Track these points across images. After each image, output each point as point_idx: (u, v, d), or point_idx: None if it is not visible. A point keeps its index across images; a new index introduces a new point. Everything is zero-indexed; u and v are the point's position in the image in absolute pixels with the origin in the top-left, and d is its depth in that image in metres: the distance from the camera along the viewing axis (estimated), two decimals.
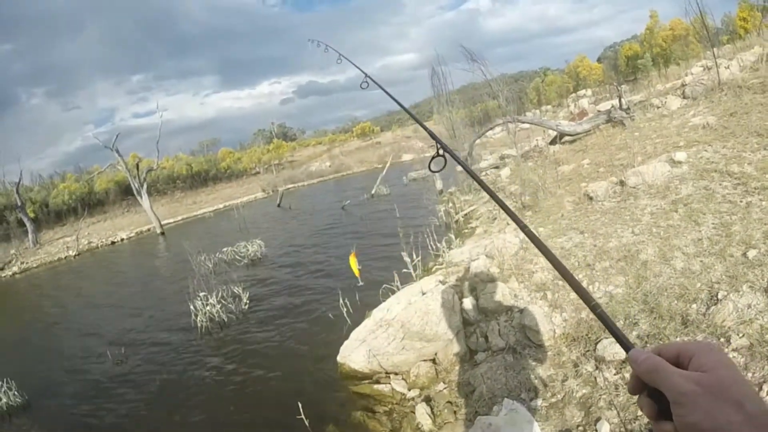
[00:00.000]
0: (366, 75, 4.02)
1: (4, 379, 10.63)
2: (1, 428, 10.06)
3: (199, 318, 11.19)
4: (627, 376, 4.40)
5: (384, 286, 8.69)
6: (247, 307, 11.62)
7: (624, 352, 0.97)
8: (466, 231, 12.46)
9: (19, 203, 40.83)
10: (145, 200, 35.06)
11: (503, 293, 6.57)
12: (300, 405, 5.94)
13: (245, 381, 8.35)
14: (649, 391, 0.87)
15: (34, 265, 37.53)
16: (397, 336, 6.56)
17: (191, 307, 11.40)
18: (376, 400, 6.33)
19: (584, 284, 5.79)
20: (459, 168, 18.07)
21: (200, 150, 66.55)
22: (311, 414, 6.02)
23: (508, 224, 10.05)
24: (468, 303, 6.74)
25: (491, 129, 19.07)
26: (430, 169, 2.46)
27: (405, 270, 9.15)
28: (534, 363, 5.32)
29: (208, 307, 11.29)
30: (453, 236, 11.30)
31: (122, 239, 37.78)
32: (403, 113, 76.22)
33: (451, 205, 15.18)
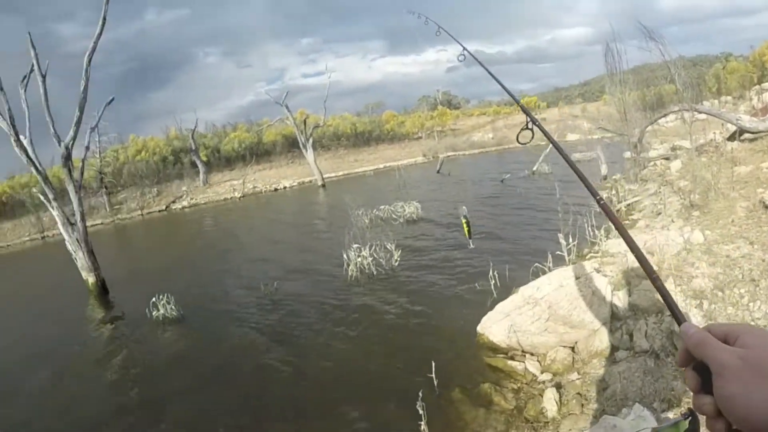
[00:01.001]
0: (464, 48, 4.18)
1: (165, 294, 11.95)
2: (155, 336, 11.34)
3: (350, 267, 11.72)
4: None
5: (535, 264, 8.57)
6: (397, 263, 11.95)
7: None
8: (626, 222, 11.85)
9: (193, 147, 44.72)
10: (309, 154, 36.58)
11: (658, 293, 6.24)
12: (433, 364, 6.11)
13: (383, 330, 8.73)
14: (695, 364, 0.90)
15: (202, 202, 40.50)
16: (542, 316, 6.47)
17: (344, 255, 11.93)
18: (506, 376, 6.32)
19: (745, 300, 5.46)
20: (627, 154, 17.46)
21: (365, 111, 67.14)
22: (441, 375, 6.16)
23: (673, 221, 9.59)
24: (619, 297, 6.52)
25: (665, 116, 18.01)
26: (518, 141, 2.52)
27: (558, 252, 9.00)
28: (674, 374, 5.02)
29: (359, 258, 11.78)
30: (613, 226, 10.85)
31: (285, 187, 39.67)
32: (571, 90, 73.56)
33: (614, 192, 14.45)
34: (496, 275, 9.15)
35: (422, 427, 4.79)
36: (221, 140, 51.44)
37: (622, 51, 16.73)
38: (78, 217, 15.66)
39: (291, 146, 47.84)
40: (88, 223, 16.15)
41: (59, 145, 15.26)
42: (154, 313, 11.74)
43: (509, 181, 23.18)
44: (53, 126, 15.29)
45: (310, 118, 39.80)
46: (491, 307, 7.36)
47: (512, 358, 6.60)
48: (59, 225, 15.81)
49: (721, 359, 0.81)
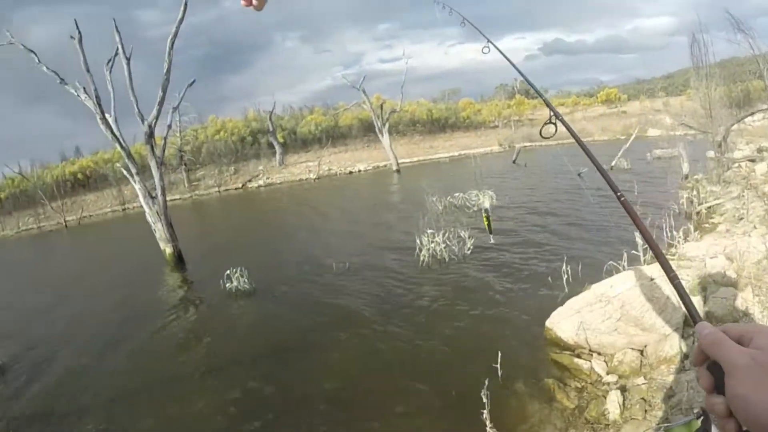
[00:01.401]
0: (488, 40, 4.09)
1: (239, 267, 12.38)
2: (226, 306, 11.77)
3: (422, 252, 11.76)
4: None
5: (610, 262, 8.42)
6: (469, 251, 11.89)
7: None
8: (706, 225, 11.43)
9: (271, 129, 45.56)
10: (385, 138, 36.72)
11: (735, 302, 6.04)
12: (499, 354, 6.09)
13: (451, 316, 8.70)
14: (709, 364, 0.90)
15: (278, 182, 41.31)
16: (613, 316, 6.33)
17: (417, 240, 11.98)
18: (571, 374, 6.23)
19: None
20: (710, 153, 16.81)
21: (441, 98, 66.43)
22: (506, 365, 6.11)
23: (755, 228, 9.24)
24: (694, 303, 6.34)
25: (752, 114, 17.25)
26: (541, 135, 2.47)
27: (633, 252, 8.81)
28: None
29: (432, 244, 11.83)
30: (692, 228, 10.49)
31: (360, 171, 40.08)
32: (653, 83, 71.06)
33: (695, 193, 13.85)
34: (569, 270, 9.00)
35: (484, 415, 4.81)
36: (298, 122, 52.26)
37: (709, 43, 15.89)
38: (159, 191, 16.44)
39: (367, 130, 48.08)
40: (168, 198, 16.92)
41: (142, 123, 16.09)
42: (227, 284, 12.22)
43: (586, 175, 22.21)
44: (137, 105, 16.12)
45: (387, 103, 40.00)
46: (562, 303, 7.26)
47: (579, 356, 6.48)
48: (140, 198, 16.63)
49: (734, 359, 0.82)
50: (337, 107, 53.01)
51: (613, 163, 23.05)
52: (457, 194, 17.54)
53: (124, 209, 47.73)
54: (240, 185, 43.70)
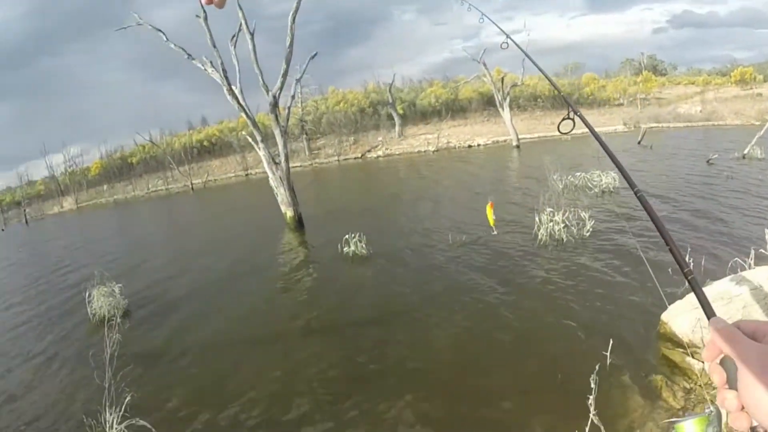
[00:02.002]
0: (507, 36, 4.08)
1: (358, 233, 12.81)
2: (343, 269, 12.24)
3: (540, 230, 11.55)
4: None
5: (735, 259, 7.91)
6: (588, 234, 11.49)
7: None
8: None
9: (390, 100, 45.69)
10: (506, 113, 36.20)
11: None
12: (611, 342, 5.88)
13: (564, 298, 8.52)
14: (722, 359, 0.92)
15: (396, 153, 41.85)
16: (735, 316, 5.78)
17: (536, 218, 11.76)
18: (681, 373, 5.91)
19: None
20: None
21: (563, 73, 64.32)
22: (615, 354, 5.93)
23: None
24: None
25: None
26: (559, 131, 2.46)
27: (762, 251, 8.23)
28: None
29: (551, 223, 11.56)
30: None
31: (479, 145, 39.91)
32: None
33: None
34: (691, 263, 8.52)
35: (590, 401, 4.65)
36: (417, 95, 52.63)
37: None
38: (282, 157, 17.37)
39: (486, 104, 47.70)
40: (289, 165, 17.70)
41: (267, 94, 17.09)
42: (344, 249, 12.72)
43: (716, 162, 20.36)
44: (262, 77, 17.14)
45: (508, 77, 39.18)
46: (681, 297, 6.87)
47: (692, 355, 6.06)
48: (264, 164, 17.62)
49: (747, 355, 0.85)
50: (457, 80, 52.80)
51: (746, 151, 21.11)
52: (578, 174, 16.86)
53: (246, 174, 50.45)
54: (359, 155, 44.63)
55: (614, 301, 8.22)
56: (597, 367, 4.79)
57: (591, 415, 4.51)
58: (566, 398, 5.49)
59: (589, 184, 16.32)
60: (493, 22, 4.46)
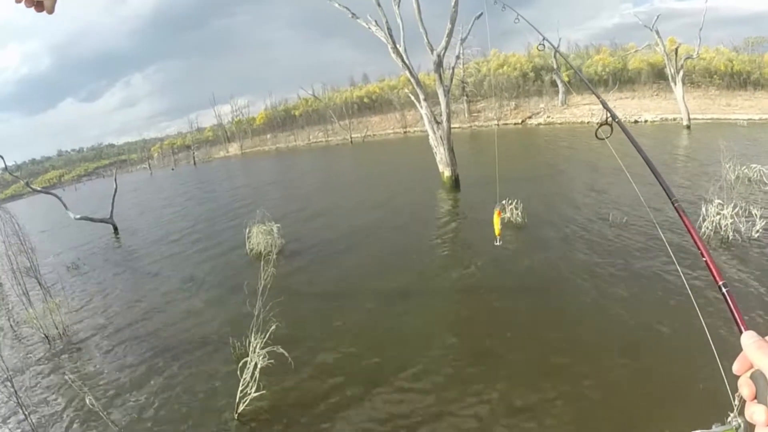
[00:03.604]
0: (543, 38, 4.19)
1: (516, 200, 12.99)
2: (508, 238, 11.85)
3: (705, 223, 10.79)
4: None
5: None
6: (757, 234, 10.46)
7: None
8: None
9: (555, 66, 43.98)
10: (678, 88, 33.68)
11: None
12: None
13: (717, 303, 7.75)
14: (752, 373, 0.91)
15: (558, 122, 40.99)
16: None
17: (703, 209, 10.95)
18: None
19: None
20: None
21: (744, 47, 57.89)
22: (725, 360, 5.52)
23: None
24: None
25: None
26: (597, 137, 2.42)
27: None
28: None
29: (718, 217, 10.73)
30: None
31: (646, 121, 37.92)
32: None
33: None
34: None
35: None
36: (583, 62, 50.75)
37: None
38: (444, 117, 17.77)
39: (657, 77, 44.99)
40: None
41: (432, 53, 17.45)
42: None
43: None
44: (426, 36, 17.45)
45: (681, 48, 36.41)
46: None
47: None
48: (425, 122, 18.19)
49: None
50: (627, 48, 50.22)
51: None
52: (754, 165, 15.23)
53: (405, 132, 51.51)
54: (519, 121, 44.19)
55: None
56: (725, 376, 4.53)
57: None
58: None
59: (765, 179, 14.72)
60: (531, 25, 4.49)
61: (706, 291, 7.85)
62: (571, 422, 5.67)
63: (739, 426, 1.00)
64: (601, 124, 2.38)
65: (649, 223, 11.65)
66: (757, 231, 10.55)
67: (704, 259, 1.37)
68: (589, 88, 3.05)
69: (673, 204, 1.65)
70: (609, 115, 2.33)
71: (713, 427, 1.02)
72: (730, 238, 10.45)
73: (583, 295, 8.75)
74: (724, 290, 1.25)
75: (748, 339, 0.95)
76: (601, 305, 8.30)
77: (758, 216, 10.72)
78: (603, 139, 2.46)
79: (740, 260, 9.65)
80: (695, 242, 1.46)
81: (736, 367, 0.96)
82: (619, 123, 2.28)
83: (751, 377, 0.91)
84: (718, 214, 10.75)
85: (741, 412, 0.96)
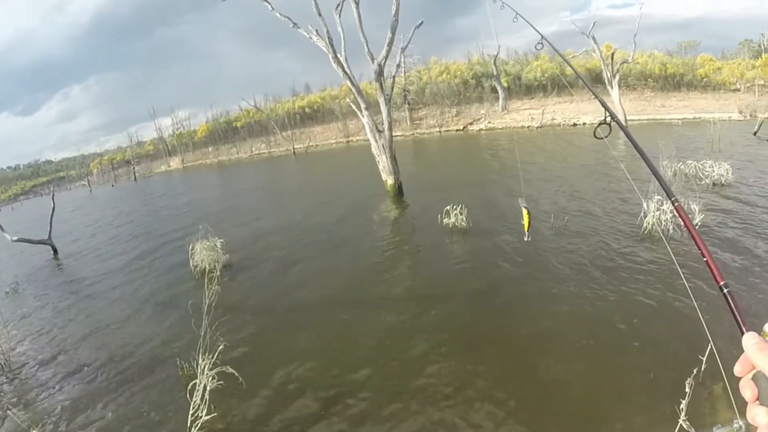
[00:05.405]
0: (542, 36, 4.17)
1: (460, 205, 13.03)
2: (440, 240, 12.49)
3: (647, 219, 11.12)
4: None
5: None
6: (697, 227, 10.30)
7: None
8: None
9: (495, 73, 45.18)
10: (614, 92, 35.20)
11: None
12: (711, 347, 5.60)
13: (664, 295, 8.21)
14: (754, 374, 0.92)
15: (499, 127, 41.72)
16: None
17: (644, 205, 11.26)
18: None
19: None
20: None
21: (677, 51, 59.61)
22: (711, 361, 5.60)
23: None
24: None
25: None
26: (595, 136, 2.40)
27: None
28: None
29: (658, 212, 11.01)
30: None
31: (584, 123, 38.86)
32: None
33: None
34: None
35: (682, 405, 4.45)
36: (523, 68, 51.64)
37: None
38: (386, 125, 17.80)
39: (594, 81, 45.95)
40: None
41: (372, 62, 17.50)
42: (444, 220, 13.06)
43: None
44: (367, 45, 17.51)
45: (617, 53, 37.86)
46: None
47: None
48: (367, 131, 18.13)
49: None
50: (564, 54, 51.09)
51: None
52: (689, 162, 15.80)
53: (348, 141, 51.88)
54: (461, 127, 44.84)
55: (719, 303, 7.76)
56: (695, 372, 4.62)
57: (680, 421, 4.37)
58: (653, 398, 5.63)
59: (700, 174, 15.24)
60: (529, 23, 4.57)
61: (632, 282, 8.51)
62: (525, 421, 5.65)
63: (741, 428, 0.97)
64: (600, 124, 2.36)
65: (582, 225, 12.24)
66: (696, 224, 10.69)
67: (705, 259, 1.35)
68: (589, 89, 3.05)
69: (672, 204, 1.64)
70: (608, 114, 2.30)
71: (714, 429, 1.00)
72: (670, 231, 10.72)
73: (530, 292, 8.93)
74: (725, 291, 1.24)
75: (750, 340, 0.96)
76: (550, 303, 8.37)
77: (697, 210, 10.99)
78: (601, 138, 2.44)
79: (680, 251, 9.95)
80: (695, 242, 1.44)
81: (738, 369, 0.97)
82: (617, 122, 2.28)
83: (753, 379, 0.92)
84: (658, 209, 11.02)
85: (742, 414, 0.94)
